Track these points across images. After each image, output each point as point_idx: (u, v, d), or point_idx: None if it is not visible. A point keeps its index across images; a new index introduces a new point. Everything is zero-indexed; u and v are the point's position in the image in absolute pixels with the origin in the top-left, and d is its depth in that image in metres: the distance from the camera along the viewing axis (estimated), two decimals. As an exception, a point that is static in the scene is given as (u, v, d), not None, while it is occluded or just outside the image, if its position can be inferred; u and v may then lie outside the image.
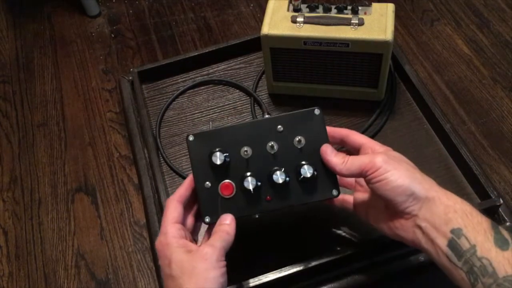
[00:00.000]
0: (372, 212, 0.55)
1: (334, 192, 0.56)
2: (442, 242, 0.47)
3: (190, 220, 0.57)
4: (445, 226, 0.47)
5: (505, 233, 0.46)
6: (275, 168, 0.55)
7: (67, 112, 1.51)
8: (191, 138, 0.56)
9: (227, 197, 0.55)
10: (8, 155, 1.43)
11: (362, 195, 0.57)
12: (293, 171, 0.55)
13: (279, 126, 0.56)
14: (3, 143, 1.46)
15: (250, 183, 0.54)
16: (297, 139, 0.55)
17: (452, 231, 0.46)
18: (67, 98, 1.55)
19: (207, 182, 0.55)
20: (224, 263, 0.50)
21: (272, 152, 0.55)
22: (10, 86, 1.61)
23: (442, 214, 0.47)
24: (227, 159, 0.55)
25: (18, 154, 1.43)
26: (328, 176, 0.56)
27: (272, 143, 0.55)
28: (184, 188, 0.56)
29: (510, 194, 1.23)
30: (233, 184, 0.55)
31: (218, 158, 0.54)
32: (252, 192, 0.54)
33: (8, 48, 1.72)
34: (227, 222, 0.53)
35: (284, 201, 0.56)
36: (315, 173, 0.55)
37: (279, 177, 0.54)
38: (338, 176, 0.56)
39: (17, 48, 1.71)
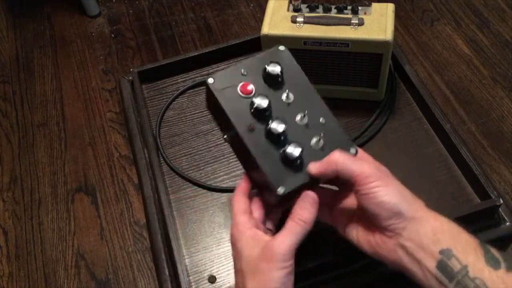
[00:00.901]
0: (353, 227, 0.53)
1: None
2: (430, 264, 0.45)
3: (258, 212, 0.54)
4: (433, 247, 0.46)
5: (494, 252, 0.45)
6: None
7: (67, 112, 1.52)
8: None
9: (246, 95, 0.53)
10: (8, 155, 1.43)
11: (345, 208, 0.55)
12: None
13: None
14: (3, 143, 1.46)
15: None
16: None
17: (441, 252, 0.45)
18: (67, 98, 1.55)
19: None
20: (291, 262, 0.47)
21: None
22: (10, 86, 1.61)
23: (430, 235, 0.46)
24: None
25: (18, 154, 1.43)
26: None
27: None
28: (243, 181, 0.54)
29: (510, 194, 1.23)
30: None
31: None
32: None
33: (8, 48, 1.72)
34: (308, 207, 0.50)
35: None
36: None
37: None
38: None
39: (17, 48, 1.71)
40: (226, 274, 0.62)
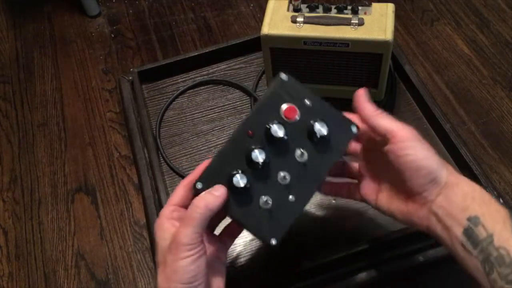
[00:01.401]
0: (384, 196, 0.52)
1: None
2: (458, 230, 0.45)
3: None
4: (461, 214, 0.45)
5: None
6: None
7: (67, 112, 1.51)
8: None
9: (288, 120, 0.51)
10: (8, 155, 1.43)
11: (373, 179, 0.54)
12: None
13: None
14: (3, 143, 1.46)
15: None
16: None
17: (469, 219, 0.45)
18: (67, 98, 1.55)
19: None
20: (196, 250, 0.45)
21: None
22: (10, 86, 1.61)
23: (460, 201, 0.46)
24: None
25: (18, 154, 1.43)
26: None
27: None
28: (196, 173, 0.53)
29: (510, 194, 1.23)
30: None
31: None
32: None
33: (8, 48, 1.72)
34: (215, 193, 0.48)
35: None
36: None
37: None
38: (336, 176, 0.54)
39: (17, 48, 1.71)
40: (226, 274, 0.62)
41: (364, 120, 0.51)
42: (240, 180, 0.49)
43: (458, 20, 1.60)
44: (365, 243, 0.62)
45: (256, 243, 0.63)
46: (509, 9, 1.60)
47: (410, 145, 0.47)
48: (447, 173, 0.47)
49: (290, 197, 0.50)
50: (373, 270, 0.62)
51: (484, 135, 1.33)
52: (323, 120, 0.51)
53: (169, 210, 0.50)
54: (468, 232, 0.45)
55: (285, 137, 0.51)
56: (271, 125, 0.50)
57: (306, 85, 0.78)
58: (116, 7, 1.79)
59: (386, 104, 0.77)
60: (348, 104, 0.79)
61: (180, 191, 0.52)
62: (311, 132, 0.51)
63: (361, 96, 0.53)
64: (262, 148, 0.50)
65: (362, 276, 0.62)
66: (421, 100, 0.75)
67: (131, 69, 0.84)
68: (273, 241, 0.50)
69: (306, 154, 0.51)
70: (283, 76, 0.53)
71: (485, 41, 1.53)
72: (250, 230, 0.50)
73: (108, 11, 1.78)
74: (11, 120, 1.51)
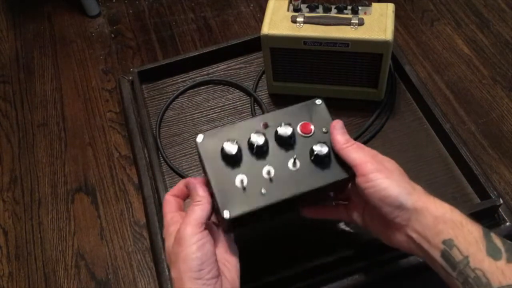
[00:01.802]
0: (368, 220, 0.55)
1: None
2: (436, 253, 0.47)
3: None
4: (436, 238, 0.47)
5: (497, 241, 0.46)
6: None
7: (67, 112, 1.52)
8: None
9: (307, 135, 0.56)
10: (8, 155, 1.43)
11: (359, 204, 0.56)
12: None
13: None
14: (3, 143, 1.46)
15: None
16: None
17: (444, 242, 0.46)
18: (67, 98, 1.55)
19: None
20: (199, 236, 0.48)
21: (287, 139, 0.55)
22: (10, 86, 1.61)
23: (432, 225, 0.47)
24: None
25: (18, 154, 1.43)
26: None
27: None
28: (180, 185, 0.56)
29: (510, 194, 1.23)
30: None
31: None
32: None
33: (8, 48, 1.72)
34: (199, 194, 0.52)
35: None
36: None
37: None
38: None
39: (17, 48, 1.71)
40: (226, 274, 0.62)
41: (337, 150, 0.54)
42: (230, 148, 0.53)
43: (458, 20, 1.60)
44: (365, 243, 0.62)
45: (256, 243, 0.64)
46: (509, 9, 1.60)
47: (372, 177, 0.49)
48: (413, 198, 0.48)
49: (263, 190, 0.53)
50: (373, 270, 0.62)
51: (484, 135, 1.33)
52: (327, 146, 0.55)
53: (169, 206, 0.53)
54: (445, 255, 0.46)
55: (292, 139, 0.55)
56: (282, 125, 0.55)
57: (306, 85, 0.78)
58: (116, 7, 1.79)
59: (386, 104, 0.77)
60: (348, 104, 0.79)
61: (171, 200, 0.55)
62: (312, 150, 0.55)
63: (334, 129, 0.55)
64: (264, 136, 0.54)
65: (362, 276, 0.62)
66: (421, 100, 0.75)
67: (131, 69, 0.84)
68: (225, 214, 0.52)
69: (298, 166, 0.55)
70: (318, 100, 0.58)
71: (485, 41, 1.53)
72: (214, 194, 0.53)
73: (108, 11, 1.79)
74: (11, 120, 1.52)
